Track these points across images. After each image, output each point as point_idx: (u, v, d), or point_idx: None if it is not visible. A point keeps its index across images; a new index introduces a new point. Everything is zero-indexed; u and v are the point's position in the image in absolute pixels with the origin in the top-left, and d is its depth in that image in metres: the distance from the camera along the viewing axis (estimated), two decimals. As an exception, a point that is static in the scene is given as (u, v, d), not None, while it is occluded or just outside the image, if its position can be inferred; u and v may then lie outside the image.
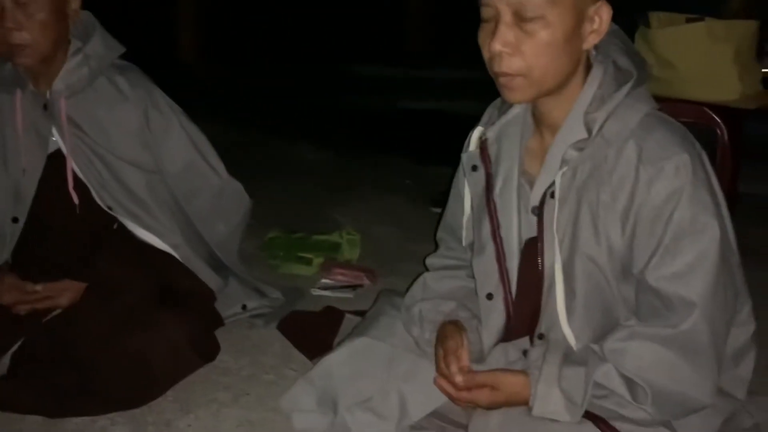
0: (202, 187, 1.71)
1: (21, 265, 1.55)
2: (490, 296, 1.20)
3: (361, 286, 2.02)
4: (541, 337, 1.16)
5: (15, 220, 1.52)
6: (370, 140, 4.50)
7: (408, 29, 10.88)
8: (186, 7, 7.89)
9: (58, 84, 1.50)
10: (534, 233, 1.15)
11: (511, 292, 1.19)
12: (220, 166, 1.75)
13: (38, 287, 1.51)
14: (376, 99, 6.57)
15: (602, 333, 1.11)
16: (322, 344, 1.59)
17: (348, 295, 1.97)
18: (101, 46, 1.54)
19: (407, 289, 1.35)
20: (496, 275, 1.19)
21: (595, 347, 1.10)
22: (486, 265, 1.20)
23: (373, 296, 1.93)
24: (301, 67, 8.49)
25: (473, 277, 1.26)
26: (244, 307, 1.76)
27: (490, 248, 1.20)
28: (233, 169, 1.78)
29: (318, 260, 2.14)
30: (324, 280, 2.05)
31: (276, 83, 7.28)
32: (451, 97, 6.49)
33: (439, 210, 2.80)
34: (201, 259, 1.67)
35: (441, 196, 2.86)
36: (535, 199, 1.14)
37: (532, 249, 1.15)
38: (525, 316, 1.19)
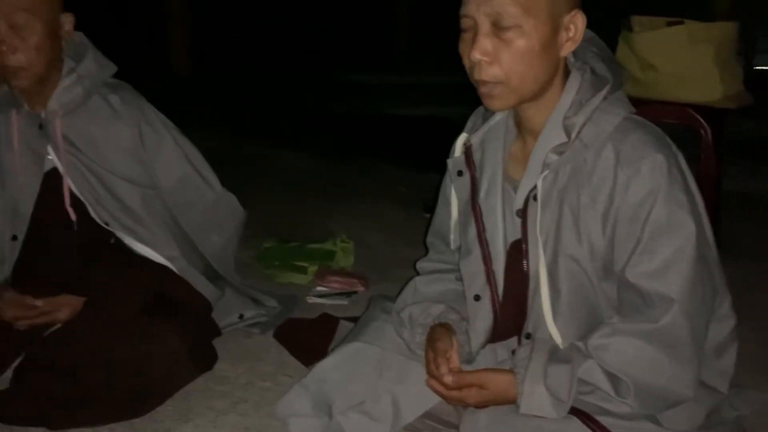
0: (196, 201, 1.75)
1: (21, 281, 1.58)
2: (477, 298, 1.24)
3: (355, 292, 2.06)
4: (528, 336, 1.19)
5: (14, 237, 1.55)
6: (361, 147, 4.54)
7: (395, 36, 10.94)
8: (178, 19, 7.93)
9: (53, 104, 1.54)
10: (519, 236, 1.18)
11: (497, 294, 1.22)
12: (214, 179, 1.79)
13: (38, 302, 1.54)
14: (365, 106, 6.61)
15: (587, 331, 1.15)
16: (318, 350, 1.62)
17: (343, 302, 2.00)
18: (94, 65, 1.58)
19: (397, 295, 1.39)
20: (482, 277, 1.23)
21: (579, 344, 1.13)
22: (473, 267, 1.24)
23: (367, 302, 1.97)
24: (290, 75, 8.53)
25: (461, 280, 1.30)
26: (241, 316, 1.79)
27: (477, 251, 1.23)
28: (226, 179, 1.81)
29: (313, 268, 2.17)
30: (319, 288, 2.08)
31: (266, 92, 7.31)
32: (440, 103, 6.54)
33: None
34: (197, 271, 1.71)
35: (433, 201, 2.91)
36: (518, 203, 1.18)
37: (517, 251, 1.18)
38: (512, 317, 1.22)
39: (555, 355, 1.13)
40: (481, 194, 1.23)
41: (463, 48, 1.12)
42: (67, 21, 1.51)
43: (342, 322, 1.73)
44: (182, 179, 1.72)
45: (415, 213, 2.88)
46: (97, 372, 1.42)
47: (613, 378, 1.08)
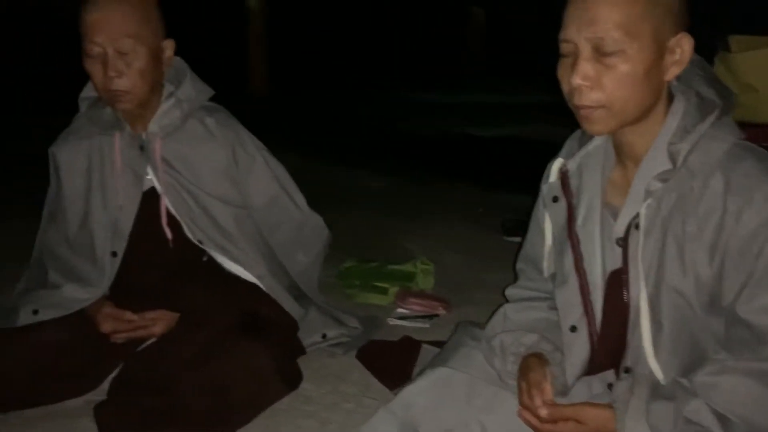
0: (284, 220, 1.79)
1: (118, 296, 1.64)
2: (573, 328, 1.20)
3: (436, 315, 2.04)
4: (627, 370, 1.15)
5: (114, 254, 1.62)
6: (433, 167, 4.54)
7: (467, 55, 10.95)
8: (257, 42, 8.21)
9: (153, 126, 1.60)
10: (618, 265, 1.15)
11: (595, 325, 1.19)
12: (301, 200, 1.82)
13: (134, 317, 1.60)
14: (438, 125, 6.62)
15: (690, 367, 1.10)
16: (401, 374, 1.61)
17: (424, 325, 1.99)
18: (192, 89, 1.64)
19: (487, 321, 1.36)
20: (579, 307, 1.19)
21: (684, 382, 1.08)
22: (569, 297, 1.21)
23: (449, 326, 1.95)
24: (363, 94, 8.65)
25: (555, 308, 1.27)
26: (324, 336, 1.81)
27: (573, 280, 1.20)
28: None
29: (393, 289, 2.17)
30: (400, 310, 2.08)
31: (340, 111, 7.44)
32: (513, 122, 6.47)
33: (511, 239, 2.81)
34: (284, 289, 1.74)
35: (513, 224, 2.87)
36: (619, 231, 1.14)
37: (617, 281, 1.15)
38: (609, 349, 1.18)
39: (657, 392, 1.08)
40: (579, 221, 1.20)
41: (562, 72, 1.10)
42: (169, 47, 1.58)
43: (425, 345, 1.71)
44: (271, 199, 1.76)
45: (494, 235, 2.85)
46: (188, 387, 1.46)
47: (722, 418, 1.02)
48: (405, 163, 4.67)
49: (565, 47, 1.07)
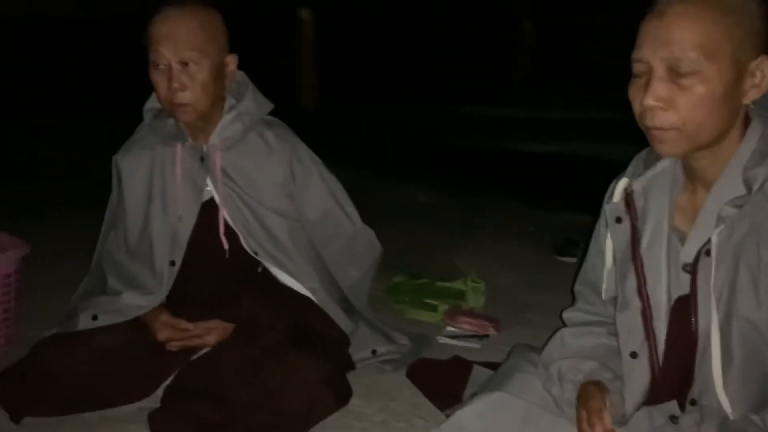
0: (337, 234, 1.79)
1: (174, 304, 1.67)
2: (634, 355, 1.17)
3: (487, 336, 2.01)
4: (693, 402, 1.11)
5: (172, 263, 1.65)
6: (481, 182, 4.51)
7: (515, 69, 10.89)
8: (308, 57, 8.33)
9: (214, 138, 1.63)
10: (684, 291, 1.11)
11: (657, 352, 1.15)
12: (354, 214, 1.82)
13: (190, 326, 1.63)
14: (486, 139, 6.58)
15: (761, 402, 1.05)
16: (452, 394, 1.59)
17: (475, 345, 1.96)
18: (253, 103, 1.66)
19: (544, 345, 1.33)
20: (641, 333, 1.16)
21: (755, 418, 1.03)
22: (630, 322, 1.17)
23: (500, 347, 1.92)
24: (411, 107, 8.68)
25: (615, 334, 1.23)
26: (374, 351, 1.80)
27: (636, 304, 1.16)
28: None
29: (443, 307, 2.15)
30: (449, 328, 2.05)
31: (388, 124, 7.46)
32: (561, 138, 6.39)
33: (563, 258, 2.76)
34: (335, 303, 1.74)
35: (565, 243, 2.82)
36: (687, 256, 1.10)
37: (683, 308, 1.11)
38: (673, 379, 1.14)
39: (726, 427, 1.04)
40: (643, 244, 1.16)
41: (633, 92, 1.08)
42: (231, 62, 1.61)
43: (476, 366, 1.69)
44: (325, 213, 1.76)
45: (546, 254, 2.80)
46: (240, 398, 1.47)
47: (797, 460, 0.97)
48: (453, 177, 4.65)
49: (638, 67, 1.05)
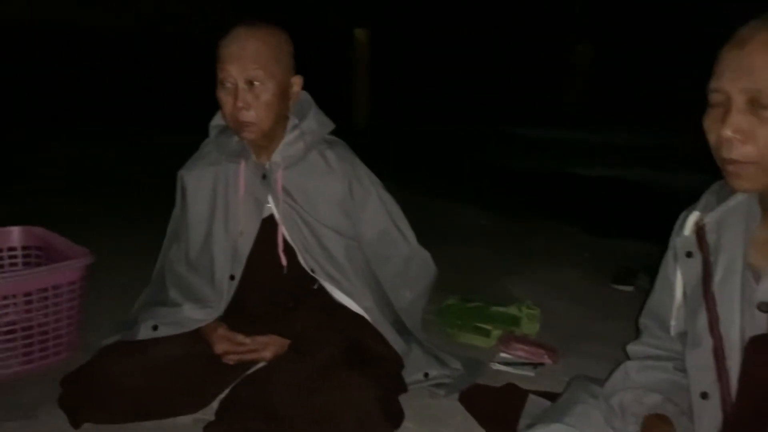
0: (393, 254, 1.79)
1: (232, 319, 1.69)
2: (705, 395, 1.12)
3: (542, 364, 1.96)
4: (768, 448, 1.05)
5: (232, 277, 1.67)
6: (536, 205, 4.45)
7: (568, 92, 10.79)
8: (362, 76, 8.43)
9: (277, 156, 1.66)
10: (760, 331, 1.06)
11: (729, 393, 1.10)
12: (411, 235, 1.82)
13: (247, 340, 1.64)
14: (539, 162, 6.51)
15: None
16: (506, 423, 1.55)
17: (529, 373, 1.92)
18: (315, 123, 1.68)
19: (607, 377, 1.30)
20: (712, 373, 1.11)
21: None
22: (701, 360, 1.13)
23: (555, 376, 1.88)
24: (462, 128, 8.66)
25: (682, 370, 1.19)
26: (426, 375, 1.78)
27: (707, 343, 1.12)
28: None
29: (496, 332, 2.11)
30: (503, 354, 2.02)
31: (439, 144, 7.46)
32: (615, 163, 6.26)
33: (621, 287, 2.68)
34: (389, 323, 1.73)
35: (623, 272, 2.75)
36: (763, 295, 1.06)
37: (758, 348, 1.06)
38: (746, 422, 1.09)
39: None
40: (716, 280, 1.12)
41: (709, 123, 1.05)
42: (296, 82, 1.63)
43: (531, 395, 1.65)
44: (382, 233, 1.77)
45: (602, 282, 2.73)
46: (294, 416, 1.47)
47: None
48: (508, 199, 4.61)
49: (715, 97, 1.02)
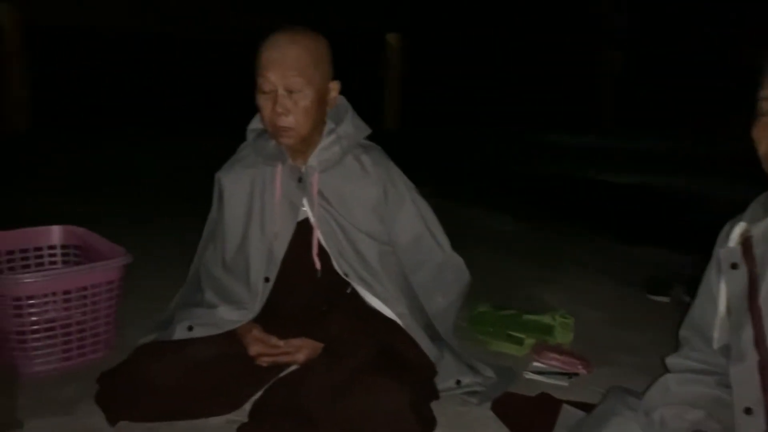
0: (426, 260, 1.78)
1: (266, 321, 1.70)
2: (749, 411, 1.10)
3: (576, 374, 1.94)
4: (814, 466, 1.02)
5: (266, 279, 1.68)
6: (568, 212, 4.40)
7: (599, 99, 10.70)
8: (393, 79, 8.44)
9: (313, 160, 1.66)
10: (808, 347, 1.03)
11: (775, 410, 1.07)
12: (444, 240, 1.81)
13: (281, 342, 1.65)
14: (568, 169, 6.45)
15: None
16: (540, 432, 1.54)
17: (563, 383, 1.89)
18: (351, 127, 1.69)
19: (645, 390, 1.27)
20: (757, 389, 1.09)
21: None
22: (746, 375, 1.10)
23: (589, 387, 1.85)
24: (492, 133, 8.61)
25: (724, 385, 1.16)
26: (458, 382, 1.77)
27: (752, 358, 1.10)
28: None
29: (529, 341, 2.09)
30: (536, 363, 2.00)
31: (469, 150, 7.43)
32: (646, 170, 6.16)
33: (656, 298, 2.64)
34: (422, 329, 1.72)
35: (658, 282, 2.70)
36: (812, 310, 1.03)
37: (806, 365, 1.03)
38: (791, 439, 1.06)
39: None
40: (763, 293, 1.10)
41: (758, 132, 1.03)
42: (334, 88, 1.64)
43: (566, 406, 1.63)
44: (416, 238, 1.76)
45: (636, 292, 2.69)
46: (327, 419, 1.47)
47: None
48: (538, 206, 4.57)
49: (765, 106, 1.00)
